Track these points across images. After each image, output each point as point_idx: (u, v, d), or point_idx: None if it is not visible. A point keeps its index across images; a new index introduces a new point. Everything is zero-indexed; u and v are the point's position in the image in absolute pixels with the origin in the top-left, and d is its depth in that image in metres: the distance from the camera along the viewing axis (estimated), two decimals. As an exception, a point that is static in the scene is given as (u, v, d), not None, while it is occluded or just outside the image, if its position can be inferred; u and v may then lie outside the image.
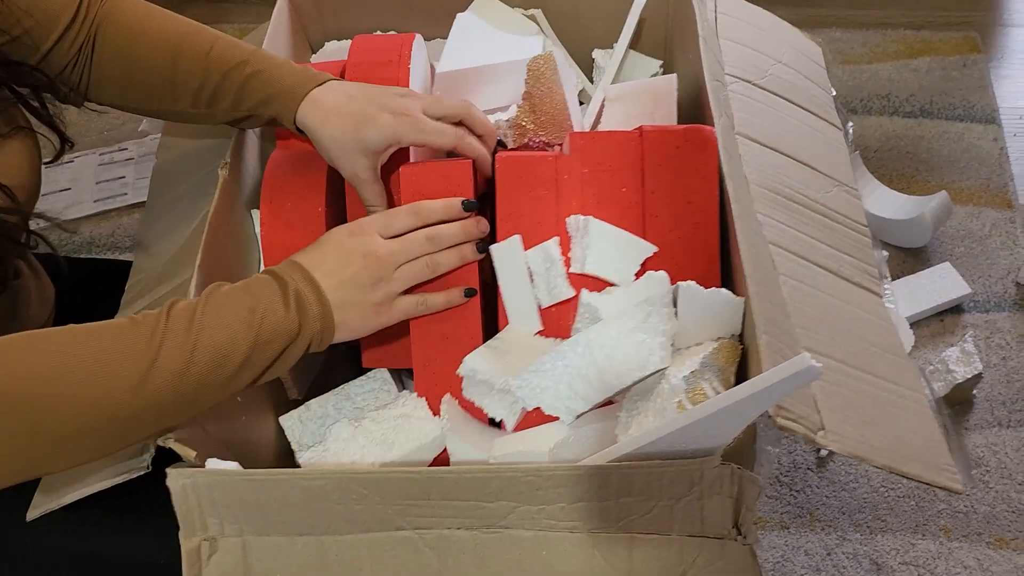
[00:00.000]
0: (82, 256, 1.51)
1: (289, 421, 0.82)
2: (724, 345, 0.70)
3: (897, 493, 1.22)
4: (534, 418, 0.75)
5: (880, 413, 0.71)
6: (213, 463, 0.66)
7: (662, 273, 0.74)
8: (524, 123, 0.87)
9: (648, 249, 0.76)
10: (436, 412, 0.78)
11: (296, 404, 0.83)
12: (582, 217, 0.77)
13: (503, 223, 0.79)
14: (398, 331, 0.79)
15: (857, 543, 1.18)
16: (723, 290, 0.71)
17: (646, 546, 0.65)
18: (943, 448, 0.72)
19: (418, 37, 0.93)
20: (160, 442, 0.66)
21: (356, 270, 0.75)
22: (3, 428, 0.61)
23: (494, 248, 0.78)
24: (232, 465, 0.66)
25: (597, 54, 1.05)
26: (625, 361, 0.70)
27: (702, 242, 0.76)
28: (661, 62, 1.02)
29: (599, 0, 1.04)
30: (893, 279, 1.46)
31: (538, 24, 1.05)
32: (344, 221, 0.80)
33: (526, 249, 0.79)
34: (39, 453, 0.63)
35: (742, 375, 0.71)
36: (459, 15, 1.01)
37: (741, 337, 0.71)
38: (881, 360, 0.75)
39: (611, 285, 0.76)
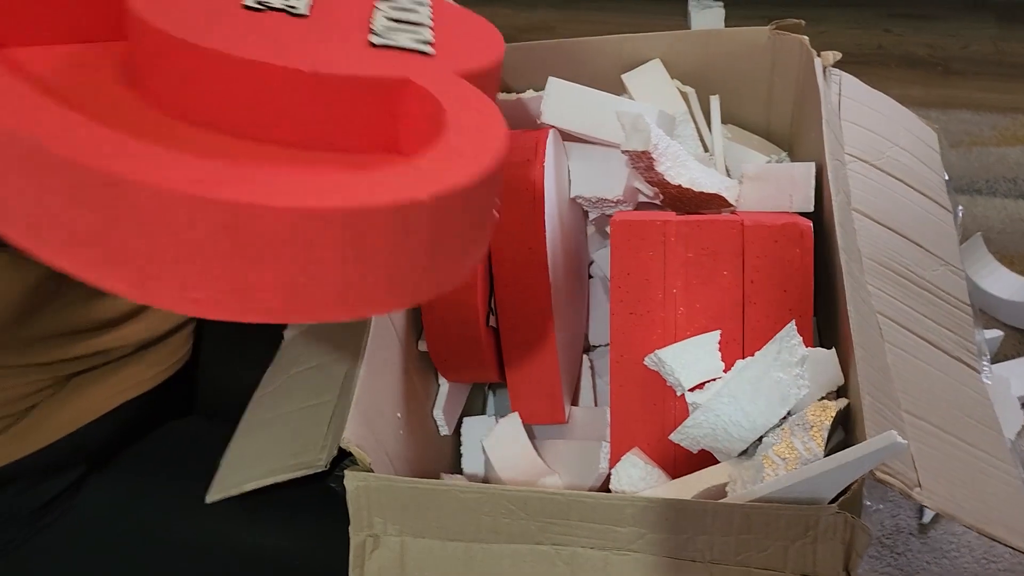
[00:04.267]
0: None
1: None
2: (815, 405, 0.76)
3: (999, 566, 1.25)
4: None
5: (971, 478, 0.77)
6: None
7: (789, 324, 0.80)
8: (669, 193, 0.92)
9: (713, 337, 0.83)
10: None
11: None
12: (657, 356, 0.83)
13: (615, 281, 0.86)
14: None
15: (956, 610, 1.22)
16: (829, 352, 0.79)
17: (761, 581, 0.71)
18: (1030, 517, 0.78)
19: (553, 132, 0.95)
20: (342, 444, 0.75)
21: None
22: None
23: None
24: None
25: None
26: (768, 400, 0.76)
27: (798, 327, 0.81)
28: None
29: (742, 84, 1.10)
30: (1008, 359, 1.48)
31: (688, 103, 1.09)
32: None
33: (633, 310, 0.85)
34: None
35: (849, 434, 0.78)
36: (624, 76, 1.06)
37: (844, 396, 0.78)
38: (976, 431, 0.81)
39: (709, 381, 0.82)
